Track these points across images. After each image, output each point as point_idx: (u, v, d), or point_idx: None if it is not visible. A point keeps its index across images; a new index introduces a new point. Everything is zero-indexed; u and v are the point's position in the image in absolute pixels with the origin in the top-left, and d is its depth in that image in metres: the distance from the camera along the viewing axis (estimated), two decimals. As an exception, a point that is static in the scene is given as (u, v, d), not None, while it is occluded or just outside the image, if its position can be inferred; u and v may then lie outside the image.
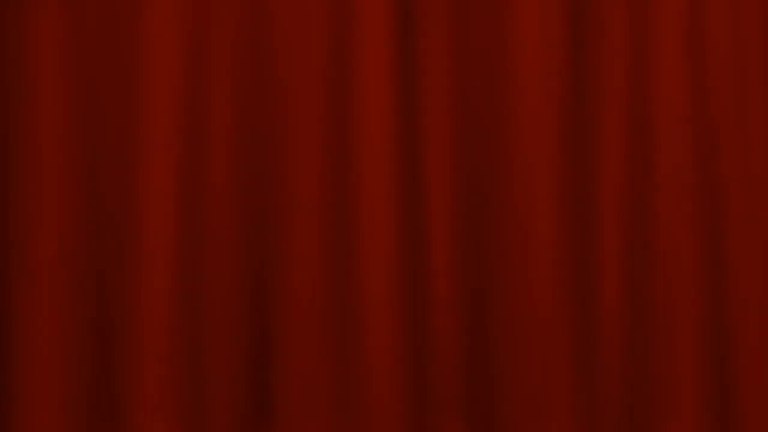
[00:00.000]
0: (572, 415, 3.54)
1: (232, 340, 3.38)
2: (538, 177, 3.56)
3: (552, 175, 3.57)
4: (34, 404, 3.22)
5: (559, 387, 3.53)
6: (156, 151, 3.35)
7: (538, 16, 3.58)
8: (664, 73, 3.65)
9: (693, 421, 3.57)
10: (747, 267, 3.64)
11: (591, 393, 3.58)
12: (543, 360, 3.53)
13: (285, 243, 3.42)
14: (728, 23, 3.70)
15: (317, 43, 3.48)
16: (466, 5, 3.60)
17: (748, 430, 3.60)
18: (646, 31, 3.67)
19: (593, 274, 3.61)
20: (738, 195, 3.66)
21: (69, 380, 3.26)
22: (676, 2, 3.67)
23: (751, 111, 3.71)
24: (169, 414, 3.30)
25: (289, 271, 3.41)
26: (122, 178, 3.36)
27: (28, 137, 3.30)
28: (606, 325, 3.58)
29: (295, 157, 3.44)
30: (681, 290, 3.60)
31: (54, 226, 3.28)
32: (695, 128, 3.66)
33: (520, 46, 3.58)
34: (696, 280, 3.62)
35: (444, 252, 3.52)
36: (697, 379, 3.58)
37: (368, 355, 3.44)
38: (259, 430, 3.41)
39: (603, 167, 3.63)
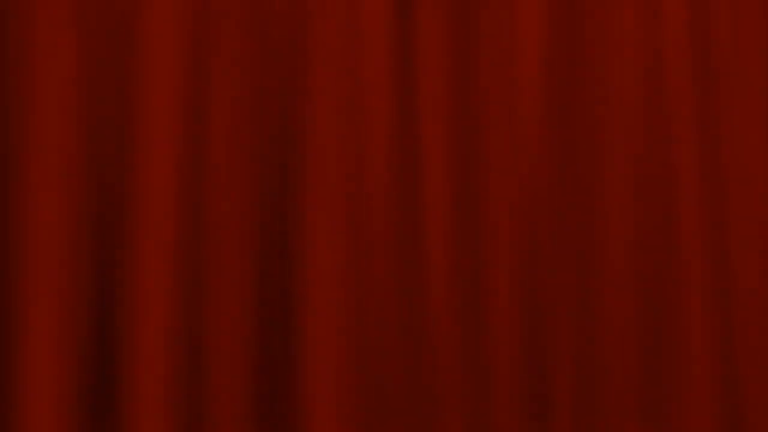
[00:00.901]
0: (573, 414, 3.54)
1: (233, 340, 3.38)
2: (538, 175, 3.57)
3: (553, 174, 3.58)
4: (34, 404, 3.22)
5: (560, 387, 3.53)
6: (157, 149, 3.35)
7: (538, 15, 3.59)
8: (666, 72, 3.66)
9: (696, 422, 3.58)
10: (752, 269, 3.65)
11: (593, 392, 3.58)
12: (543, 360, 3.53)
13: (286, 242, 3.42)
14: (730, 19, 3.71)
15: (317, 41, 3.49)
16: (467, 4, 3.61)
17: (750, 429, 3.60)
18: (648, 30, 3.68)
19: (594, 273, 3.61)
20: (742, 196, 3.67)
21: (69, 380, 3.26)
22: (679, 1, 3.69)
23: (755, 110, 3.72)
24: (170, 414, 3.30)
25: (291, 269, 3.41)
26: (123, 176, 3.36)
27: (28, 136, 3.30)
28: (607, 324, 3.59)
29: (295, 154, 3.45)
30: (686, 289, 3.61)
31: (54, 225, 3.28)
32: (699, 127, 3.67)
33: (520, 46, 3.59)
34: (703, 280, 3.62)
35: (444, 250, 3.53)
36: (704, 377, 3.59)
37: (369, 354, 3.44)
38: (260, 431, 3.41)
39: (603, 165, 3.63)
